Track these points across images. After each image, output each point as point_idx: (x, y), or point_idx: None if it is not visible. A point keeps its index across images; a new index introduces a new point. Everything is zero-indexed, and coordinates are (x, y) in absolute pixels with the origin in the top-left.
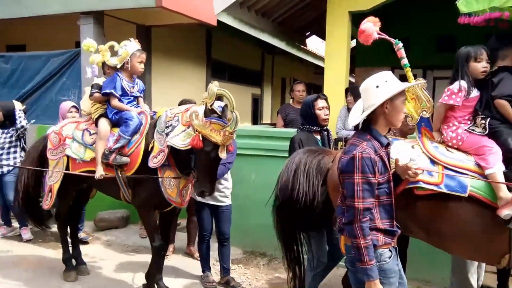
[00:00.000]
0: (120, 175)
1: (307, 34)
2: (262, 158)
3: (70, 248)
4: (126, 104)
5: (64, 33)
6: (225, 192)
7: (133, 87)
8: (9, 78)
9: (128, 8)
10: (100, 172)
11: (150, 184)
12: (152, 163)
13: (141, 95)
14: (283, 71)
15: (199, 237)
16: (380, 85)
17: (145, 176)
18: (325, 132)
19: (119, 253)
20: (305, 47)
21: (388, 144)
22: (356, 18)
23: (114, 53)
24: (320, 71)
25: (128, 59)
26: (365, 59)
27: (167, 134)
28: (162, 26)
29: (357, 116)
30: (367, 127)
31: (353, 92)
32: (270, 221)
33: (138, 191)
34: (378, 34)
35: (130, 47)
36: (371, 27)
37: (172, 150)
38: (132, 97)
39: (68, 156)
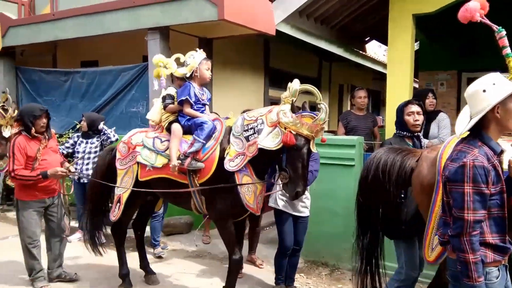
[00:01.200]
0: (193, 182)
1: (366, 39)
2: (323, 166)
3: (137, 259)
4: (198, 111)
5: (132, 48)
6: (305, 203)
7: (203, 94)
8: (85, 92)
9: (192, 22)
10: (174, 162)
11: (227, 192)
12: (229, 166)
13: (208, 103)
14: (341, 78)
15: (279, 250)
16: (488, 89)
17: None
18: (417, 138)
19: (183, 259)
20: (363, 53)
21: (502, 152)
22: (420, 21)
23: (179, 64)
24: (378, 76)
25: (196, 68)
26: (429, 62)
27: (246, 138)
28: (223, 38)
29: (463, 124)
30: (477, 133)
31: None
32: (332, 230)
33: (214, 201)
34: (481, 17)
35: (197, 56)
36: (476, 6)
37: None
38: (202, 105)
39: (138, 165)
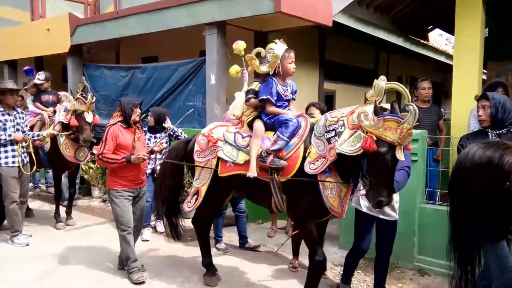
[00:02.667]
0: (275, 180)
1: (429, 27)
2: None
3: (198, 251)
4: (281, 108)
5: (189, 43)
6: (394, 206)
7: (287, 89)
8: (144, 86)
9: (249, 16)
10: (253, 170)
11: (309, 193)
12: (309, 168)
13: (294, 96)
14: (399, 69)
15: (352, 251)
16: None
17: (305, 179)
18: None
19: (240, 250)
20: (425, 42)
21: None
22: (490, 6)
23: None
24: (440, 67)
25: (278, 63)
26: (499, 51)
27: (328, 140)
28: (278, 31)
29: None
30: None
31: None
32: None
33: (295, 201)
34: None
35: (278, 49)
36: None
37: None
38: (286, 101)
39: (218, 159)
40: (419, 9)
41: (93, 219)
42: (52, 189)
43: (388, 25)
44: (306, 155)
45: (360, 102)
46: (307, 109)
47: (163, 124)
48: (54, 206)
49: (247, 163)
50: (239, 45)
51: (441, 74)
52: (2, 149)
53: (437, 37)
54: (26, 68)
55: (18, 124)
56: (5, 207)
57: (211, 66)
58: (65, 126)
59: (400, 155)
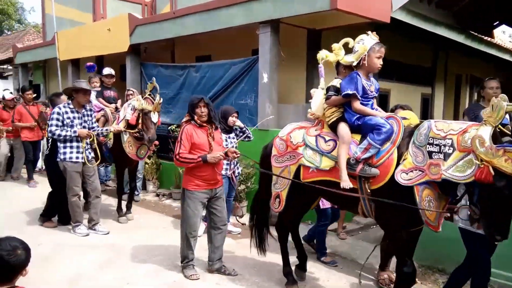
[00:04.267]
0: (364, 188)
1: (494, 24)
2: None
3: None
4: (366, 106)
5: (242, 42)
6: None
7: (371, 86)
8: (198, 85)
9: (304, 13)
10: (346, 181)
11: (403, 202)
12: (401, 178)
13: (376, 95)
14: (458, 68)
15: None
16: None
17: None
18: None
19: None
20: (489, 39)
21: None
22: None
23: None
24: (504, 66)
25: (365, 55)
26: None
27: (429, 153)
28: (332, 28)
29: None
30: None
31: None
32: (451, 235)
33: (385, 211)
34: None
35: (368, 41)
36: None
37: None
38: (370, 99)
39: (299, 165)
40: (484, 4)
41: (148, 213)
42: (108, 183)
43: (449, 21)
44: (400, 162)
45: (415, 102)
46: (392, 111)
47: (230, 122)
48: (112, 200)
49: (332, 169)
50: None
51: (504, 73)
52: (68, 144)
53: (500, 34)
54: (88, 64)
55: (85, 121)
56: (68, 199)
57: (264, 64)
58: (129, 124)
59: None
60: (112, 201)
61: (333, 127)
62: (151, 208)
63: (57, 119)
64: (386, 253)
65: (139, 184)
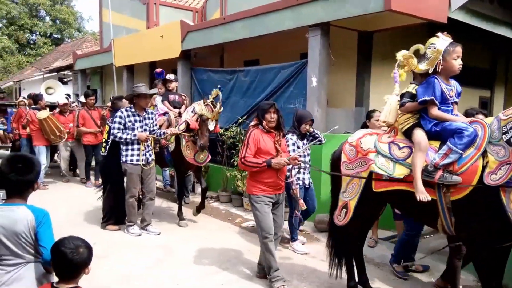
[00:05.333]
0: (444, 198)
1: None
2: None
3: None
4: (446, 112)
5: (290, 46)
6: None
7: (452, 90)
8: (247, 89)
9: (356, 15)
10: (422, 192)
11: (489, 212)
12: (490, 179)
13: (458, 99)
14: None
15: None
16: None
17: None
18: None
19: None
20: None
21: None
22: None
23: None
24: None
25: (440, 60)
26: None
27: (508, 142)
28: (385, 30)
29: None
30: None
31: None
32: None
33: (469, 223)
34: None
35: (440, 44)
36: None
37: None
38: (450, 104)
39: (371, 172)
40: None
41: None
42: (169, 188)
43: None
44: (484, 165)
45: (473, 105)
46: (468, 115)
47: (303, 130)
48: (169, 203)
49: (406, 178)
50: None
51: None
52: (130, 147)
53: None
54: (158, 70)
55: (146, 124)
56: (125, 200)
57: (313, 68)
58: (189, 128)
59: None
60: (166, 203)
61: (408, 133)
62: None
63: (119, 123)
64: (456, 272)
65: (189, 187)
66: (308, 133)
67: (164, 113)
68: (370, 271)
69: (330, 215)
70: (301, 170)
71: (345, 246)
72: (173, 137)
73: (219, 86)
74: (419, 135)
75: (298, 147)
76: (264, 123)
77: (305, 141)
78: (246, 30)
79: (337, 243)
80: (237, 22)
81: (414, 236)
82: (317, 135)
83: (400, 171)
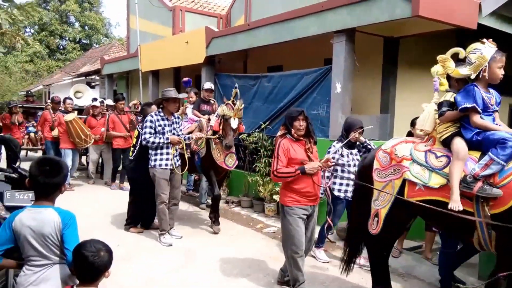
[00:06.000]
0: (483, 211)
1: None
2: None
3: None
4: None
5: (314, 52)
6: None
7: (491, 98)
8: (269, 95)
9: (382, 21)
10: (457, 202)
11: None
12: None
13: (498, 108)
14: None
15: None
16: None
17: None
18: None
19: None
20: None
21: None
22: None
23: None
24: None
25: (485, 66)
26: None
27: None
28: (411, 36)
29: None
30: None
31: None
32: None
33: (511, 241)
34: None
35: (487, 51)
36: None
37: None
38: (492, 113)
39: (404, 180)
40: None
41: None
42: (191, 192)
43: None
44: None
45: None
46: None
47: (352, 139)
48: (190, 207)
49: (443, 188)
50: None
51: None
52: (159, 151)
53: None
54: (185, 79)
55: (174, 128)
56: (156, 206)
57: (338, 74)
58: (215, 132)
59: None
60: (188, 207)
61: (447, 143)
62: (221, 215)
63: (150, 127)
64: None
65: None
66: (359, 143)
67: (196, 121)
68: (394, 282)
69: (349, 222)
70: (344, 181)
71: (373, 252)
72: (203, 142)
73: (236, 85)
74: (459, 143)
75: (342, 155)
76: (293, 131)
77: (355, 151)
78: (271, 36)
79: (369, 251)
80: (261, 28)
81: (451, 255)
82: (369, 146)
83: (436, 180)
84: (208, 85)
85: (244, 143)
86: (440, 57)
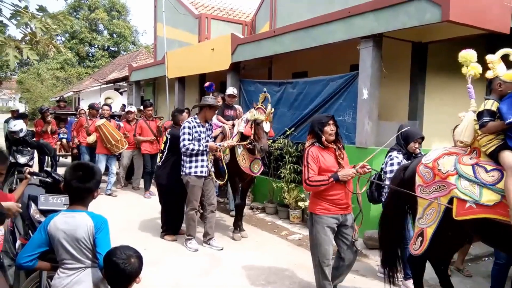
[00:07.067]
0: None
1: None
2: None
3: None
4: None
5: (339, 58)
6: None
7: None
8: (294, 101)
9: (411, 26)
10: None
11: None
12: None
13: None
14: None
15: None
16: None
17: None
18: None
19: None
20: None
21: None
22: None
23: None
24: None
25: None
26: None
27: None
28: (441, 41)
29: None
30: None
31: None
32: None
33: None
34: None
35: None
36: None
37: None
38: None
39: (452, 198)
40: None
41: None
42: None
43: None
44: None
45: None
46: None
47: (411, 149)
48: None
49: (497, 205)
50: (467, 54)
51: None
52: (194, 158)
53: None
54: (207, 84)
55: (208, 135)
56: (185, 212)
57: (364, 80)
58: (243, 137)
59: None
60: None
61: (494, 156)
62: (245, 221)
63: (189, 133)
64: None
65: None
66: (415, 154)
67: (220, 127)
68: None
69: (380, 233)
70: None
71: (414, 268)
72: (227, 148)
73: (264, 89)
74: (510, 157)
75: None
76: (323, 138)
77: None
78: (296, 42)
79: (412, 269)
80: (286, 34)
81: (504, 266)
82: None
83: (488, 197)
84: (230, 90)
85: (269, 149)
86: (489, 58)
